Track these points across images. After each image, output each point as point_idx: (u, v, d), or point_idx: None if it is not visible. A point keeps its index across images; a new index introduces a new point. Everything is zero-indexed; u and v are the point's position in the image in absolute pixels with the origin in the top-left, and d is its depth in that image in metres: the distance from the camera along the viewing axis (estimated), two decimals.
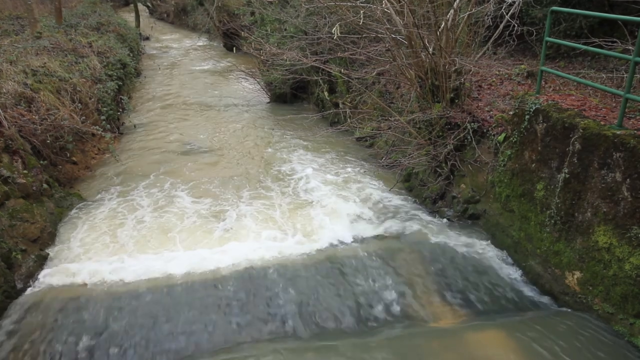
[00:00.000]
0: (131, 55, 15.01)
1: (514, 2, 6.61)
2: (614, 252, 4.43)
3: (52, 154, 7.61)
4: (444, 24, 6.34)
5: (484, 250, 5.94)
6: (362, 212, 6.85)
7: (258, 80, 13.61)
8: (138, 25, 23.90)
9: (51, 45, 10.79)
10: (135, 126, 11.16)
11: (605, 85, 5.66)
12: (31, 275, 5.44)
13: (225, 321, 4.85)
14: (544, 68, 5.59)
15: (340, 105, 10.48)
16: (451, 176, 7.00)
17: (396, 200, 7.34)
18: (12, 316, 4.82)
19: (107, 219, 6.70)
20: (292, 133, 10.64)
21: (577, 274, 4.86)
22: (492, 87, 7.32)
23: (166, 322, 4.78)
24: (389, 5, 6.62)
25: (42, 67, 8.89)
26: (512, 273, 5.57)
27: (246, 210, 6.99)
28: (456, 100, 6.75)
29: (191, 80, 16.34)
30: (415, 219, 6.67)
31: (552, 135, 5.12)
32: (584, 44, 5.73)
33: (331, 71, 9.01)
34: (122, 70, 12.51)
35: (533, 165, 5.43)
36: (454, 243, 6.02)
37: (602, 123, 4.71)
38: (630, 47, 5.86)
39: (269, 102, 13.58)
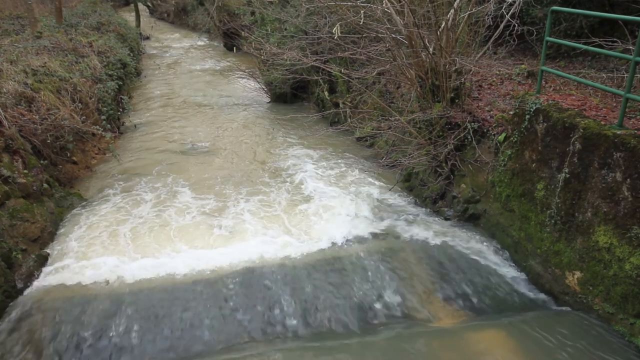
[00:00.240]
0: (131, 55, 15.01)
1: (514, 2, 6.61)
2: (615, 252, 4.43)
3: (53, 154, 7.61)
4: (444, 23, 6.34)
5: (484, 250, 5.94)
6: (362, 212, 6.85)
7: (258, 80, 13.60)
8: (138, 25, 23.91)
9: (51, 45, 10.80)
10: (135, 126, 11.16)
11: (606, 85, 5.66)
12: (31, 275, 5.44)
13: (226, 321, 4.85)
14: (544, 68, 5.59)
15: (341, 105, 10.48)
16: (451, 176, 7.00)
17: (396, 200, 7.34)
18: (12, 316, 4.83)
19: (107, 218, 6.70)
20: (293, 133, 10.63)
21: (578, 274, 4.86)
22: (493, 87, 7.32)
23: (166, 321, 4.79)
24: (389, 5, 6.62)
25: (43, 66, 8.90)
26: (513, 273, 5.56)
27: (246, 209, 6.98)
28: (456, 100, 6.75)
29: (191, 79, 16.34)
30: (416, 219, 6.68)
31: (552, 135, 5.12)
32: (585, 43, 5.72)
33: (331, 71, 9.01)
34: (122, 70, 12.51)
35: (533, 165, 5.43)
36: (454, 243, 6.02)
37: (603, 123, 4.71)
38: (630, 47, 5.86)
39: (269, 102, 13.58)
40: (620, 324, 4.42)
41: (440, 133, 6.85)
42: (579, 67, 7.11)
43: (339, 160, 8.90)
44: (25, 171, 6.40)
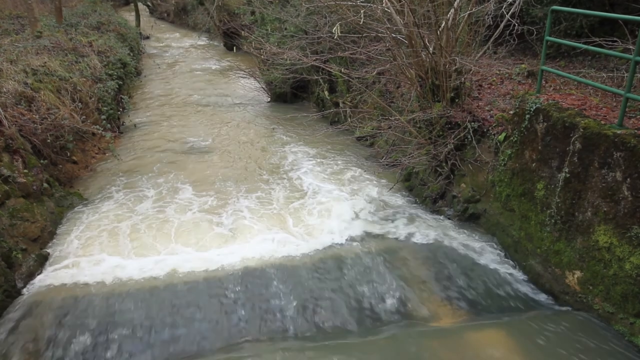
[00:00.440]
0: (131, 54, 15.00)
1: (515, 2, 6.60)
2: (615, 251, 4.43)
3: (53, 154, 7.61)
4: (444, 23, 6.34)
5: (484, 249, 5.94)
6: (362, 212, 6.85)
7: (258, 79, 13.60)
8: (138, 24, 23.89)
9: (51, 45, 10.79)
10: (135, 125, 11.16)
11: (606, 85, 5.66)
12: (31, 275, 5.44)
13: (226, 320, 4.85)
14: (544, 67, 5.59)
15: (341, 105, 10.48)
16: (451, 175, 7.00)
17: (396, 199, 7.34)
18: (12, 315, 4.83)
19: (107, 218, 6.70)
20: (293, 132, 10.63)
21: (578, 274, 4.86)
22: (493, 87, 7.32)
23: (166, 321, 4.79)
24: (389, 4, 6.62)
25: (43, 66, 8.89)
26: (513, 272, 5.57)
27: (246, 209, 6.98)
28: (456, 100, 6.74)
29: (191, 79, 16.33)
30: (416, 219, 6.68)
31: (552, 134, 5.12)
32: (585, 43, 5.72)
33: (331, 70, 9.01)
34: (122, 70, 12.50)
35: (533, 164, 5.43)
36: (454, 242, 6.02)
37: (603, 122, 4.71)
38: (630, 47, 5.86)
39: (269, 102, 13.58)
40: (620, 324, 4.42)
41: (440, 133, 6.85)
42: (579, 67, 7.11)
43: (339, 160, 8.90)
44: (25, 171, 6.40)
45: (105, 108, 9.97)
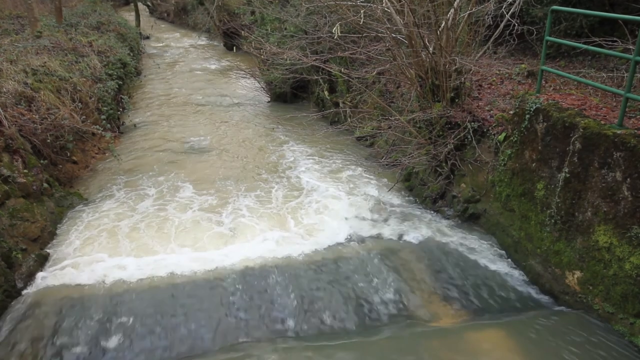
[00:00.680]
0: (131, 54, 14.99)
1: (514, 1, 6.60)
2: (614, 251, 4.43)
3: (53, 154, 7.61)
4: (444, 23, 6.34)
5: (484, 249, 5.94)
6: (362, 212, 6.85)
7: (258, 79, 13.60)
8: (138, 24, 23.88)
9: (51, 45, 10.79)
10: (135, 125, 11.16)
11: (606, 85, 5.66)
12: (31, 275, 5.44)
13: (226, 320, 4.85)
14: (544, 67, 5.59)
15: (341, 105, 10.48)
16: (451, 175, 7.00)
17: (396, 199, 7.35)
18: (12, 315, 4.83)
19: (107, 217, 6.70)
20: (293, 132, 10.63)
21: (578, 274, 4.86)
22: (493, 87, 7.32)
23: (167, 321, 4.79)
24: (389, 4, 6.62)
25: (43, 66, 8.89)
26: (512, 272, 5.57)
27: (246, 208, 6.98)
28: (456, 100, 6.74)
29: (191, 79, 16.33)
30: (416, 219, 6.68)
31: (552, 134, 5.12)
32: (585, 43, 5.72)
33: (331, 70, 9.01)
34: (122, 70, 12.50)
35: (533, 164, 5.43)
36: (454, 242, 6.03)
37: (603, 122, 4.71)
38: (630, 47, 5.86)
39: (269, 102, 13.58)
40: (620, 324, 4.42)
41: (440, 133, 6.85)
42: (579, 67, 7.11)
43: (339, 160, 8.90)
44: (25, 171, 6.40)
45: (105, 108, 9.97)
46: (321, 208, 6.96)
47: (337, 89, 11.09)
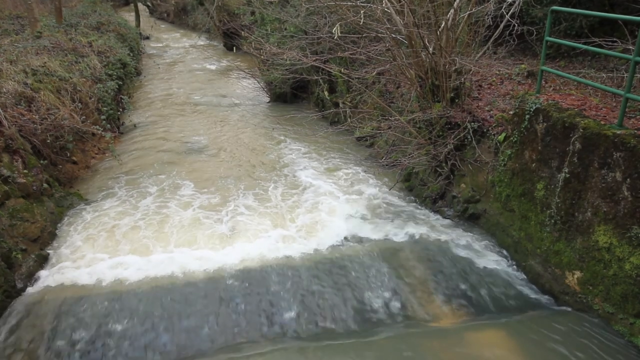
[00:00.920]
0: (131, 54, 15.00)
1: (514, 2, 6.60)
2: (614, 251, 4.43)
3: (52, 154, 7.61)
4: (444, 23, 6.34)
5: (484, 249, 5.94)
6: (362, 212, 6.86)
7: (258, 79, 13.60)
8: (138, 24, 23.90)
9: (51, 45, 10.80)
10: (135, 125, 11.16)
11: (606, 85, 5.66)
12: (31, 275, 5.44)
13: (226, 320, 4.85)
14: (544, 67, 5.59)
15: (341, 105, 10.48)
16: (451, 176, 7.00)
17: (396, 199, 7.35)
18: (12, 316, 4.83)
19: (107, 218, 6.70)
20: (293, 132, 10.63)
21: (577, 274, 4.86)
22: (493, 87, 7.32)
23: (166, 321, 4.79)
24: (389, 4, 6.62)
25: (42, 66, 8.89)
26: (512, 273, 5.57)
27: (246, 208, 6.98)
28: (456, 100, 6.75)
29: (191, 79, 16.33)
30: (415, 219, 6.68)
31: (552, 134, 5.12)
32: (584, 43, 5.72)
33: (331, 71, 9.01)
34: (122, 70, 12.50)
35: (533, 164, 5.43)
36: (454, 243, 6.02)
37: (603, 123, 4.71)
38: (630, 47, 5.86)
39: (269, 102, 13.58)
40: (620, 324, 4.42)
41: (440, 133, 6.85)
42: (578, 67, 7.11)
43: (339, 160, 8.90)
44: (25, 171, 6.40)
45: (105, 108, 9.97)
46: (321, 208, 6.96)
47: (337, 89, 11.09)
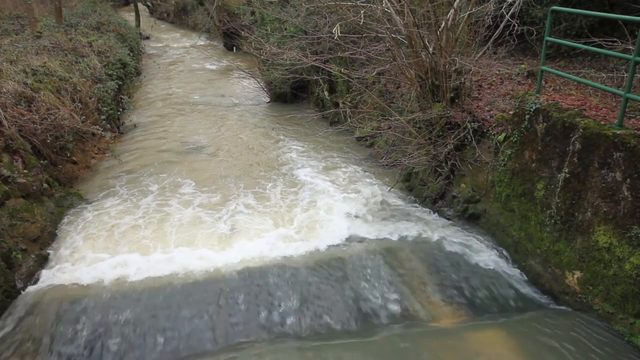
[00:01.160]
0: (131, 54, 15.01)
1: (514, 2, 6.61)
2: (614, 251, 4.43)
3: (52, 154, 7.61)
4: (444, 23, 6.34)
5: (484, 249, 5.94)
6: (362, 212, 6.85)
7: (258, 79, 13.61)
8: (138, 24, 23.91)
9: (51, 45, 10.80)
10: (135, 125, 11.17)
11: (606, 85, 5.66)
12: (31, 275, 5.44)
13: (226, 320, 4.85)
14: (544, 68, 5.59)
15: (341, 105, 10.48)
16: (451, 176, 7.00)
17: (396, 199, 7.34)
18: (12, 316, 4.83)
19: (107, 218, 6.69)
20: (293, 132, 10.63)
21: (577, 274, 4.86)
22: (493, 87, 7.32)
23: (166, 321, 4.79)
24: (389, 4, 6.62)
25: (42, 66, 8.89)
26: (512, 273, 5.56)
27: (246, 208, 6.98)
28: (456, 100, 6.75)
29: (191, 79, 16.34)
30: (415, 219, 6.68)
31: (552, 134, 5.12)
32: (584, 43, 5.72)
33: (331, 71, 9.01)
34: (122, 70, 12.51)
35: (533, 164, 5.43)
36: (454, 242, 6.02)
37: (603, 123, 4.71)
38: (630, 47, 5.86)
39: (269, 102, 13.58)
40: (620, 324, 4.42)
41: (440, 133, 6.85)
42: (578, 67, 7.11)
43: (339, 160, 8.90)
44: (25, 171, 6.40)
45: (105, 108, 9.97)
46: (321, 208, 6.96)
47: (337, 89, 11.09)
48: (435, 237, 6.16)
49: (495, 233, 6.15)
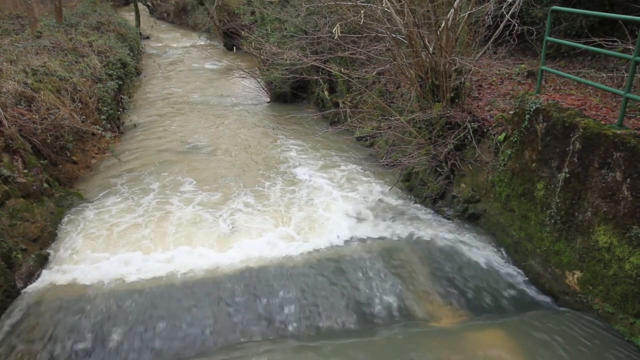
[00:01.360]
0: (131, 54, 15.01)
1: (514, 2, 6.60)
2: (614, 251, 4.43)
3: (53, 154, 7.61)
4: (444, 23, 6.34)
5: (484, 249, 5.94)
6: (362, 212, 6.85)
7: (258, 79, 13.61)
8: (138, 24, 23.91)
9: (51, 45, 10.80)
10: (135, 125, 11.17)
11: (606, 85, 5.66)
12: (31, 275, 5.44)
13: (226, 320, 4.85)
14: (544, 67, 5.59)
15: (341, 105, 10.48)
16: (451, 176, 7.00)
17: (396, 199, 7.34)
18: (12, 315, 4.83)
19: (107, 218, 6.69)
20: (293, 132, 10.63)
21: (577, 274, 4.86)
22: (493, 87, 7.32)
23: (166, 321, 4.79)
24: (389, 4, 6.62)
25: (43, 66, 8.89)
26: (512, 273, 5.56)
27: (246, 207, 6.98)
28: (456, 100, 6.75)
29: (191, 79, 16.34)
30: (415, 219, 6.68)
31: (552, 134, 5.12)
32: (585, 43, 5.72)
33: (331, 71, 9.01)
34: (122, 70, 12.51)
35: (533, 164, 5.43)
36: (454, 242, 6.02)
37: (603, 122, 4.71)
38: (630, 47, 5.86)
39: (269, 102, 13.58)
40: (620, 324, 4.42)
41: (440, 133, 6.85)
42: (579, 67, 7.11)
43: (339, 160, 8.90)
44: (25, 171, 6.40)
45: (105, 108, 9.97)
46: (320, 207, 6.96)
47: (337, 89, 11.09)
48: (434, 237, 6.16)
49: (495, 233, 6.15)
